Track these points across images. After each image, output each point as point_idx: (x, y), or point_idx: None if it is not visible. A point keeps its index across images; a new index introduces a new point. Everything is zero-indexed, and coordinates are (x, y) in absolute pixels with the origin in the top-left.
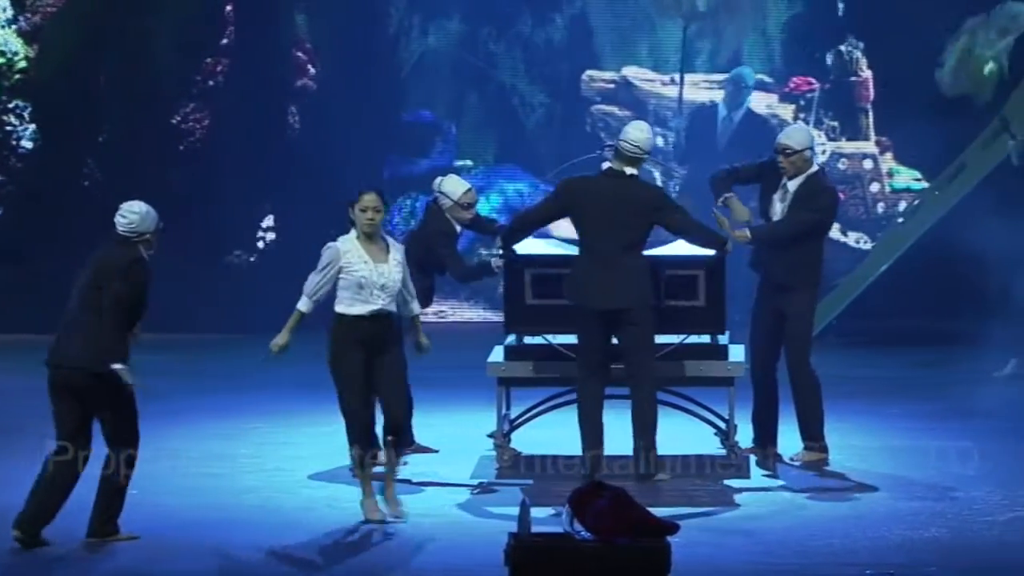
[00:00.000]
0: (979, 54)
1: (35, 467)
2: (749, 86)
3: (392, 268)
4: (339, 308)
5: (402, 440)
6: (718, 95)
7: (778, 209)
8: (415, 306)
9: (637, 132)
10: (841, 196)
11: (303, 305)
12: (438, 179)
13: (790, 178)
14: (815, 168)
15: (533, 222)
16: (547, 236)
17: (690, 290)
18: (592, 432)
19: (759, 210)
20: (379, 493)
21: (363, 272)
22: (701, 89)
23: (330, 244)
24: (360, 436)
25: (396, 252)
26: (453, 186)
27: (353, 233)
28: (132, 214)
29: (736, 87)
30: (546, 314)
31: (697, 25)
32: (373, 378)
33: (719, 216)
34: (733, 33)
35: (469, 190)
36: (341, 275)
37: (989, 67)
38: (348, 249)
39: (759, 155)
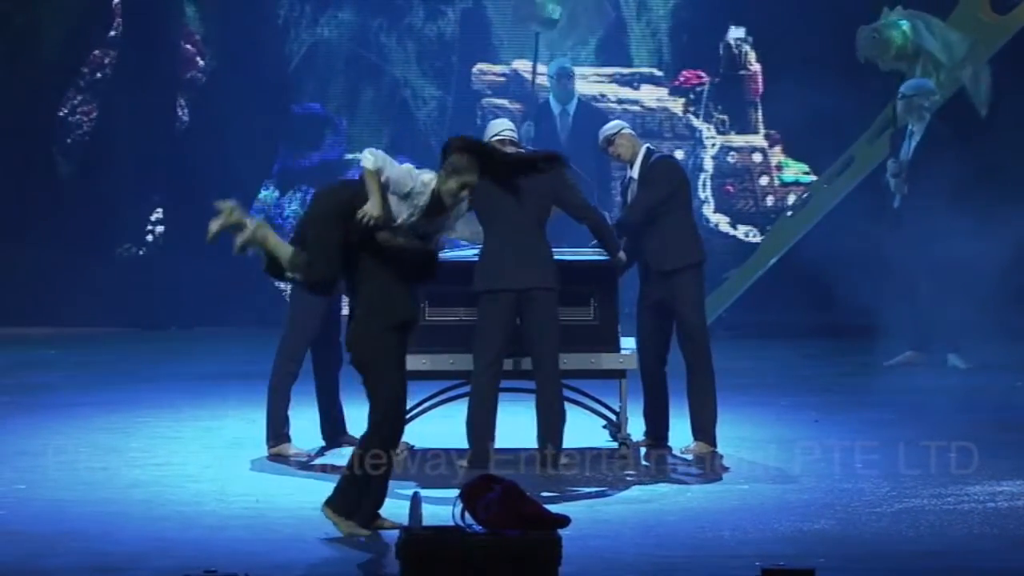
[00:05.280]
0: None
1: None
2: (571, 75)
3: None
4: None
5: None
6: (606, 88)
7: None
8: None
9: (501, 122)
10: (730, 189)
11: None
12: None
13: (631, 166)
14: (644, 146)
15: None
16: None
17: (582, 306)
18: (485, 426)
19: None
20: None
21: None
22: (590, 83)
23: None
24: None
25: None
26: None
27: None
28: None
29: (559, 79)
30: (441, 332)
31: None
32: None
33: None
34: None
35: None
36: None
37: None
38: None
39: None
